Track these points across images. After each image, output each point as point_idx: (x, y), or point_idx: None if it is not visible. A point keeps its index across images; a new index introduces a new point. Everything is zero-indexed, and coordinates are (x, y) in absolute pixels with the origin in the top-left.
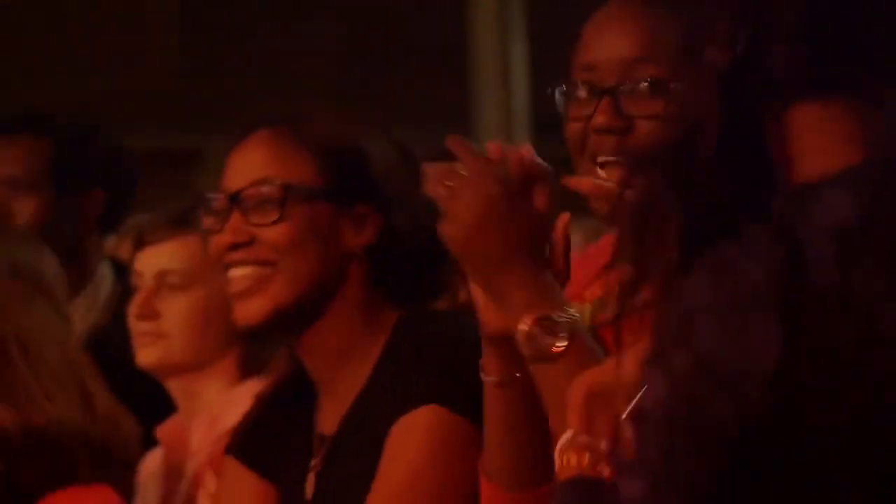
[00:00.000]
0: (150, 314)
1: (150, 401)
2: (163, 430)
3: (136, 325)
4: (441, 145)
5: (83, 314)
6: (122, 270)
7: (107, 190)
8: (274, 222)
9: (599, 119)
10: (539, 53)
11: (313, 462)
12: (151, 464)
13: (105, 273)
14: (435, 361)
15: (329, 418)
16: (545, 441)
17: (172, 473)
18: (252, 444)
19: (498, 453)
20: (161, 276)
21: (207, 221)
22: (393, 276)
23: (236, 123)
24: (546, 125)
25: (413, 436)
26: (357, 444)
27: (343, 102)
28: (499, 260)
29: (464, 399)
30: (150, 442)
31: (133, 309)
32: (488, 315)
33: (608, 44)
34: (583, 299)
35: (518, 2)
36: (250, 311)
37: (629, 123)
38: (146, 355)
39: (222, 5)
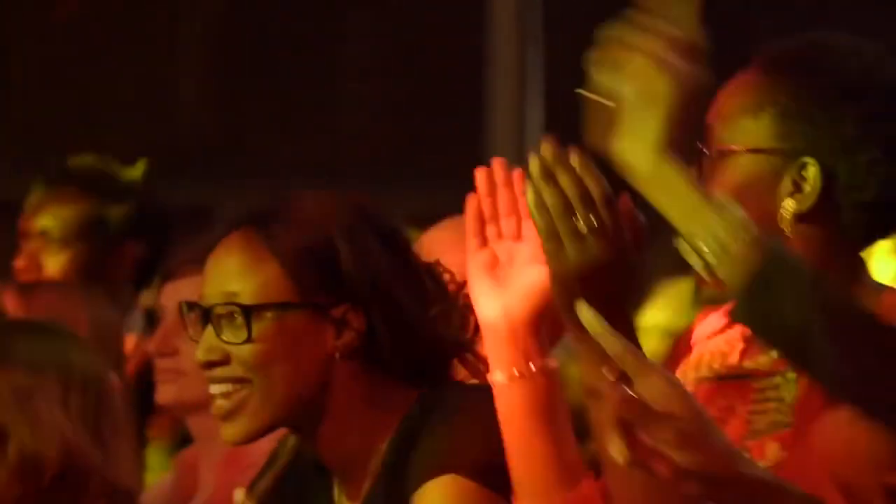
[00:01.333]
0: (169, 351)
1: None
2: (177, 459)
3: (156, 361)
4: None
5: None
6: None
7: (141, 244)
8: (244, 342)
9: None
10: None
11: None
12: (158, 489)
13: (136, 324)
14: (451, 433)
15: (349, 496)
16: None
17: (178, 502)
18: (270, 499)
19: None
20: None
21: (190, 330)
22: (390, 364)
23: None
24: None
25: None
26: None
27: (373, 157)
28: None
29: (482, 469)
30: None
31: (152, 344)
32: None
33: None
34: (705, 345)
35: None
36: (234, 432)
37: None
38: (165, 392)
39: (254, 61)
